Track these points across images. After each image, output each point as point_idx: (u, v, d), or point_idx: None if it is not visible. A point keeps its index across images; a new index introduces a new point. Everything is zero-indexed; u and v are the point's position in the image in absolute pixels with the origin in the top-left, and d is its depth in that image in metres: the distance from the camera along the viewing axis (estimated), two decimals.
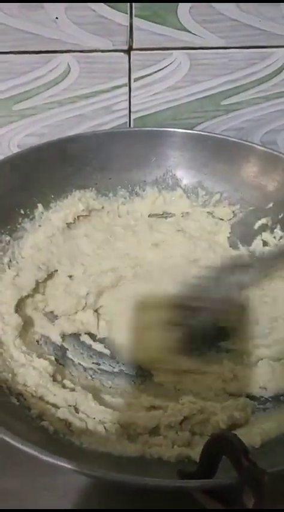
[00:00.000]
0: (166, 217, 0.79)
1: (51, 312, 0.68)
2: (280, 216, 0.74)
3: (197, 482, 0.42)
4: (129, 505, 0.52)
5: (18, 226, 0.71)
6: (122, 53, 0.75)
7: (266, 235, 0.75)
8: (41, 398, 0.55)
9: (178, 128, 0.78)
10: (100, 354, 0.66)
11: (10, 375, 0.56)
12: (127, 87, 0.78)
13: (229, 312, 0.68)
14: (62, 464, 0.42)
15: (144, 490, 0.47)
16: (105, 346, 0.67)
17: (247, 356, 0.65)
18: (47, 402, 0.55)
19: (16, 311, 0.63)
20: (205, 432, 0.55)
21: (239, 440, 0.40)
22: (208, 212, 0.78)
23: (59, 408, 0.54)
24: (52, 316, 0.68)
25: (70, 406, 0.55)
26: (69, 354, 0.65)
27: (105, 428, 0.53)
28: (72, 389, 0.58)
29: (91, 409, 0.55)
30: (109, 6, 0.70)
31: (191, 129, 0.80)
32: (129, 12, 0.71)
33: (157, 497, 0.51)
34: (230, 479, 0.39)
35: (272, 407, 0.59)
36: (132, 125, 0.83)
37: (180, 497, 0.45)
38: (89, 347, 0.67)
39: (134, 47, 0.74)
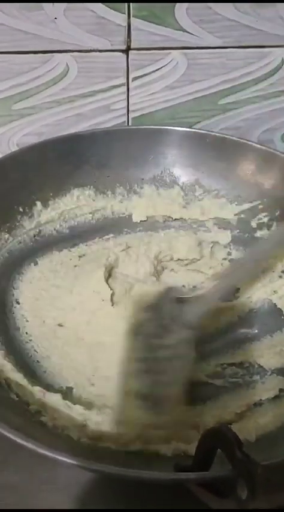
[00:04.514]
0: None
1: None
2: (276, 214, 0.74)
3: (191, 475, 0.42)
4: (130, 498, 0.52)
5: (17, 224, 0.71)
6: (120, 53, 0.75)
7: (263, 233, 0.75)
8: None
9: (176, 126, 0.78)
10: None
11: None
12: (126, 87, 0.79)
13: None
14: (59, 457, 0.42)
15: (141, 483, 0.48)
16: None
17: None
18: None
19: None
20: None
21: (233, 433, 0.40)
22: None
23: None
24: None
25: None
26: None
27: None
28: None
29: None
30: (107, 6, 0.71)
31: (189, 127, 0.81)
32: (126, 12, 0.71)
33: (160, 491, 0.51)
34: (224, 472, 0.39)
35: (268, 402, 0.59)
36: (130, 124, 0.83)
37: (181, 491, 0.46)
38: None
39: (132, 46, 0.75)
